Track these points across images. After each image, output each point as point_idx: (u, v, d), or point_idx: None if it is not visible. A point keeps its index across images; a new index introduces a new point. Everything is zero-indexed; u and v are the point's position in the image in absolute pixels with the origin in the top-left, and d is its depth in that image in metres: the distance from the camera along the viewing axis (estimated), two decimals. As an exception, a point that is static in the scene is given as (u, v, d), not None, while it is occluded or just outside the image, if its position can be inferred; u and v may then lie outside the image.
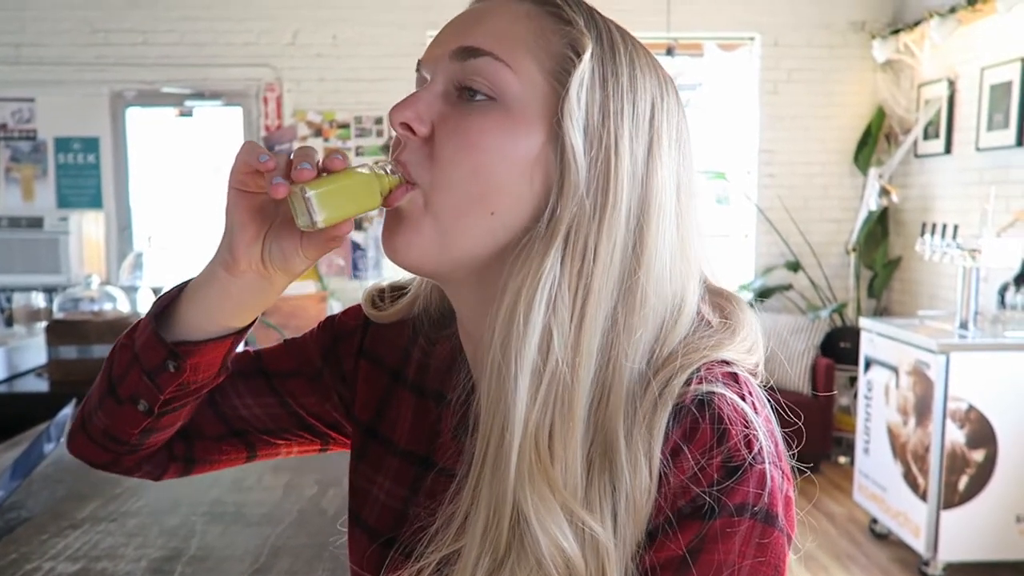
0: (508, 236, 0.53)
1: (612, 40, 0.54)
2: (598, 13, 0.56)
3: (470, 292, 0.57)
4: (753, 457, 0.49)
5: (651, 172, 0.53)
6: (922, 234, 3.27)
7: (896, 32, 4.28)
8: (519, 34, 0.53)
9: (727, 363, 0.54)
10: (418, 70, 0.57)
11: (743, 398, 0.51)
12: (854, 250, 4.48)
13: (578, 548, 0.48)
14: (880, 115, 4.52)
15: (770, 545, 0.49)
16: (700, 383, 0.51)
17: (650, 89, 0.54)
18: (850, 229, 4.57)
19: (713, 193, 5.28)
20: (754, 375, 0.56)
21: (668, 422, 0.49)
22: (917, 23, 4.06)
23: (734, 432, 0.49)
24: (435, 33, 0.57)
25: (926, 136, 4.21)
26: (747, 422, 0.50)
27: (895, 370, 3.12)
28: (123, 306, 2.59)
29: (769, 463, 0.49)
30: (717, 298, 0.59)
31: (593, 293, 0.50)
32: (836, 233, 4.67)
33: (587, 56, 0.52)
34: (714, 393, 0.50)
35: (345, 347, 0.71)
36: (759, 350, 0.57)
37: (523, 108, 0.52)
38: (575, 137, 0.51)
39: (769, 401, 0.55)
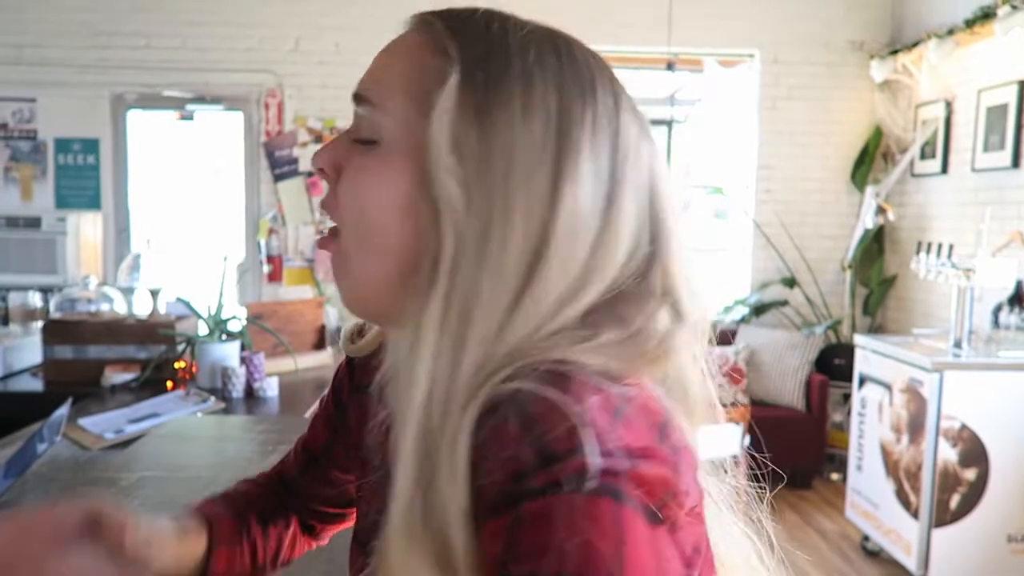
0: (403, 280, 0.51)
1: (491, 59, 0.50)
2: (494, 25, 0.52)
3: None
4: (568, 450, 0.42)
5: (558, 197, 0.48)
6: (917, 253, 3.29)
7: (895, 52, 4.31)
8: (399, 73, 0.52)
9: (563, 362, 0.47)
10: None
11: (566, 391, 0.44)
12: (850, 267, 4.50)
13: None
14: (878, 134, 4.56)
15: (603, 517, 0.41)
16: (511, 380, 0.45)
17: (560, 97, 0.50)
18: (846, 246, 4.59)
19: (711, 207, 5.30)
20: (616, 379, 0.47)
21: (477, 423, 0.45)
22: (915, 44, 4.09)
23: (542, 426, 0.43)
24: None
25: (923, 156, 4.25)
26: (558, 415, 0.43)
27: (889, 387, 3.13)
28: (120, 307, 2.58)
29: (589, 453, 0.42)
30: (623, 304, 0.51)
31: (470, 340, 0.47)
32: (832, 250, 4.69)
33: (448, 88, 0.49)
34: (521, 389, 0.44)
35: (343, 392, 0.77)
36: (639, 357, 0.49)
37: (395, 149, 0.51)
38: (444, 177, 0.48)
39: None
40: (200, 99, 4.63)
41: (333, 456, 0.78)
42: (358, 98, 0.54)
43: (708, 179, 4.97)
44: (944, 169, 4.07)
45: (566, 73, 0.51)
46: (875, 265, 4.56)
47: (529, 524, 0.41)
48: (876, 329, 4.62)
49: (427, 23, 0.53)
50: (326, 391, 0.80)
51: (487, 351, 0.47)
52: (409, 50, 0.53)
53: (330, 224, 0.55)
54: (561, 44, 0.52)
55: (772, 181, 4.72)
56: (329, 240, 0.55)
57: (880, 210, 4.12)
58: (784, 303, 4.57)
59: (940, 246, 3.17)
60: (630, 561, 0.40)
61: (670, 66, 4.51)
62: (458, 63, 0.50)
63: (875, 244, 4.56)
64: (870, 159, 4.56)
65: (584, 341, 0.48)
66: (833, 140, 4.68)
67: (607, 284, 0.51)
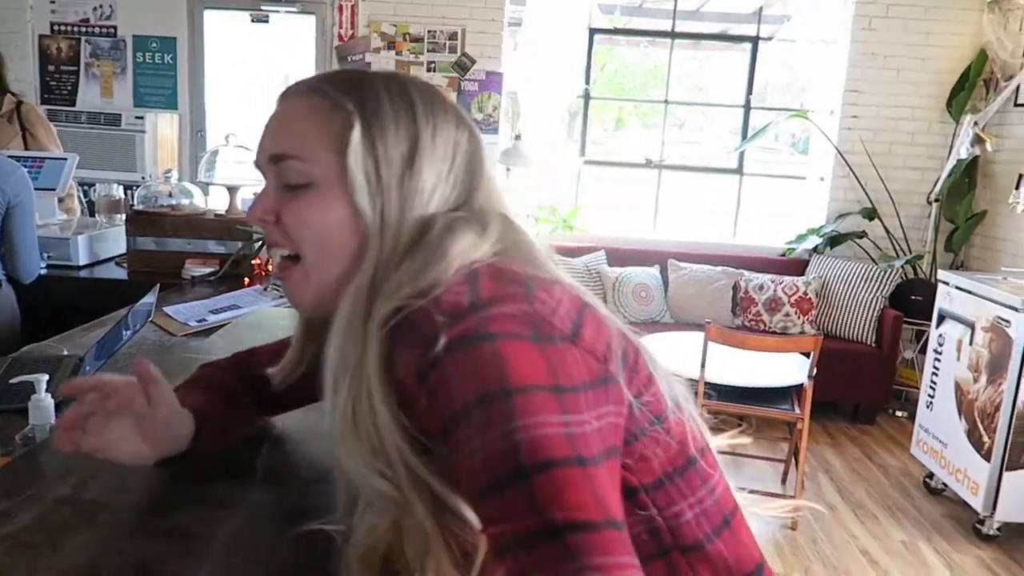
0: (350, 275, 0.69)
1: (378, 106, 0.70)
2: (368, 83, 0.72)
3: None
4: (432, 335, 0.60)
5: (415, 190, 0.70)
6: (1017, 187, 3.10)
7: (1010, -32, 3.98)
8: (308, 129, 0.71)
9: (433, 286, 0.65)
10: (258, 167, 0.76)
11: (435, 301, 0.64)
12: (936, 201, 4.29)
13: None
14: (982, 58, 4.25)
15: (481, 355, 0.57)
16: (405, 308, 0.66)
17: (413, 122, 0.71)
18: (933, 179, 4.37)
19: (790, 133, 5.09)
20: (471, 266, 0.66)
21: (388, 339, 0.65)
22: (1035, -41, 3.76)
23: (419, 327, 0.62)
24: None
25: (1030, 84, 3.96)
26: (427, 317, 0.62)
27: (971, 326, 3.00)
28: (199, 202, 2.63)
29: (446, 326, 0.60)
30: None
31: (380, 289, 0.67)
32: (918, 182, 4.47)
33: (355, 132, 0.69)
34: (409, 313, 0.65)
35: None
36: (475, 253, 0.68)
37: (327, 184, 0.70)
38: (360, 194, 0.69)
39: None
40: (274, 0, 4.58)
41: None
42: (279, 158, 0.71)
43: (791, 102, 4.74)
44: (1053, 99, 3.79)
45: (415, 104, 0.72)
46: (964, 200, 4.32)
47: (439, 391, 0.58)
48: (958, 267, 4.43)
49: (317, 89, 0.72)
50: None
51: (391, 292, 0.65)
52: (309, 112, 0.71)
53: (284, 254, 0.74)
54: (409, 84, 0.74)
55: (860, 106, 4.48)
56: (290, 266, 0.73)
57: (978, 140, 3.88)
58: (862, 235, 4.40)
59: (1043, 180, 2.98)
60: (514, 372, 0.56)
61: (760, -22, 4.26)
62: (358, 113, 0.70)
63: (965, 178, 4.31)
64: (971, 85, 4.26)
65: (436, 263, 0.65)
66: (931, 65, 4.39)
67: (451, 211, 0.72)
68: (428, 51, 4.52)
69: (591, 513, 0.53)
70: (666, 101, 4.92)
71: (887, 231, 4.39)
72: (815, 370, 2.84)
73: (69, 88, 4.65)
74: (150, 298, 1.93)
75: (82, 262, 2.54)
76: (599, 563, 0.51)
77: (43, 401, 1.05)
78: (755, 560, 0.73)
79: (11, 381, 1.14)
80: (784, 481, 3.29)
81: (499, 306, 0.60)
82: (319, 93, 0.72)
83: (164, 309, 2.00)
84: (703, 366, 2.84)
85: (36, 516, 0.79)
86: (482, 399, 0.56)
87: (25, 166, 2.39)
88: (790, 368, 3.04)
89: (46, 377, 1.08)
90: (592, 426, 0.59)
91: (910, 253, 4.33)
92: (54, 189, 2.81)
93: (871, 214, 4.38)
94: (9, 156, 2.43)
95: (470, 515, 0.59)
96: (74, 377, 0.82)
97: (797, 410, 2.89)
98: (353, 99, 0.71)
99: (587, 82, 4.82)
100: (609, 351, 0.65)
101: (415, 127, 0.71)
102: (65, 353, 1.59)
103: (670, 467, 0.68)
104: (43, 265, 2.42)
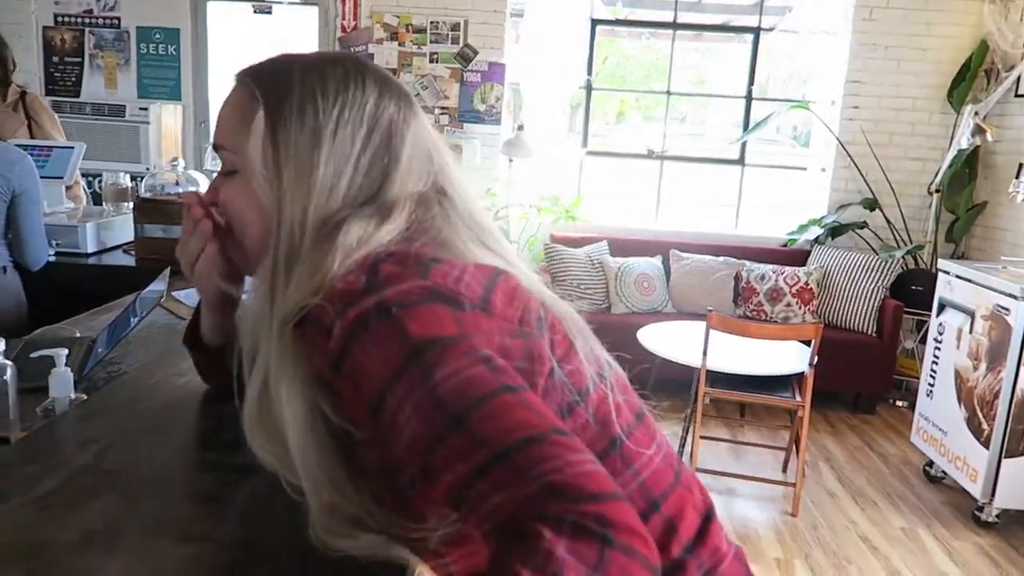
0: (262, 249, 0.73)
1: (286, 97, 0.72)
2: (285, 73, 0.74)
3: None
4: (330, 325, 0.62)
5: (315, 182, 0.71)
6: (1017, 176, 3.12)
7: (1012, -41, 3.99)
8: (234, 121, 0.75)
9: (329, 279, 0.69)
10: None
11: (329, 295, 0.66)
12: (937, 191, 4.30)
13: None
14: (983, 49, 4.26)
15: (381, 333, 0.59)
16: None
17: (316, 104, 0.72)
18: (934, 169, 4.38)
19: (792, 124, 5.09)
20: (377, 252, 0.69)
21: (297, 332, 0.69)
22: (1037, -51, 3.77)
23: (317, 321, 0.64)
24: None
25: (1031, 74, 3.97)
26: (323, 310, 0.64)
27: (971, 314, 3.03)
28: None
29: (341, 313, 0.62)
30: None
31: (290, 279, 0.69)
32: (919, 173, 4.48)
33: (256, 120, 0.72)
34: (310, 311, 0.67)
35: None
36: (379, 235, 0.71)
37: (245, 172, 0.74)
38: (260, 180, 0.72)
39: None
40: (277, -9, 4.59)
41: None
42: (216, 147, 0.77)
43: (793, 93, 4.75)
44: (1053, 89, 3.80)
45: (326, 93, 0.73)
46: (964, 190, 4.34)
47: (356, 378, 0.60)
48: (959, 257, 4.45)
49: (242, 80, 0.76)
50: None
51: (299, 281, 0.67)
52: (234, 103, 0.76)
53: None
54: (328, 69, 0.75)
55: (861, 97, 4.49)
56: (224, 237, 0.79)
57: (979, 130, 3.88)
58: (863, 225, 4.41)
59: (1043, 169, 2.99)
60: (418, 332, 0.58)
61: (762, -31, 4.27)
62: (261, 102, 0.73)
63: (966, 169, 4.33)
64: (972, 76, 4.27)
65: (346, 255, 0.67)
66: (931, 56, 4.40)
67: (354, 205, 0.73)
68: (431, 42, 4.53)
69: (533, 427, 0.54)
70: (668, 92, 4.93)
71: (888, 221, 4.41)
72: (816, 359, 2.86)
73: (73, 79, 4.67)
74: (159, 285, 1.95)
75: (90, 249, 2.55)
76: (553, 467, 0.51)
77: (64, 375, 1.08)
78: (682, 545, 0.69)
79: (31, 355, 1.16)
80: (785, 469, 3.31)
81: (393, 285, 0.62)
82: (243, 84, 0.76)
83: (173, 294, 2.02)
84: (705, 354, 2.86)
85: (61, 482, 0.82)
86: (397, 371, 0.58)
87: (32, 155, 2.40)
88: (791, 356, 3.06)
89: (66, 352, 1.10)
90: (512, 366, 0.60)
91: (911, 243, 4.35)
92: (61, 177, 2.83)
93: (872, 205, 4.40)
94: (17, 145, 2.45)
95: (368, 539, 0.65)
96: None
97: (798, 398, 2.92)
98: (264, 90, 0.73)
99: (589, 73, 4.83)
100: (525, 314, 0.65)
101: (318, 120, 0.72)
102: (78, 335, 1.61)
103: None
104: (51, 252, 2.44)
